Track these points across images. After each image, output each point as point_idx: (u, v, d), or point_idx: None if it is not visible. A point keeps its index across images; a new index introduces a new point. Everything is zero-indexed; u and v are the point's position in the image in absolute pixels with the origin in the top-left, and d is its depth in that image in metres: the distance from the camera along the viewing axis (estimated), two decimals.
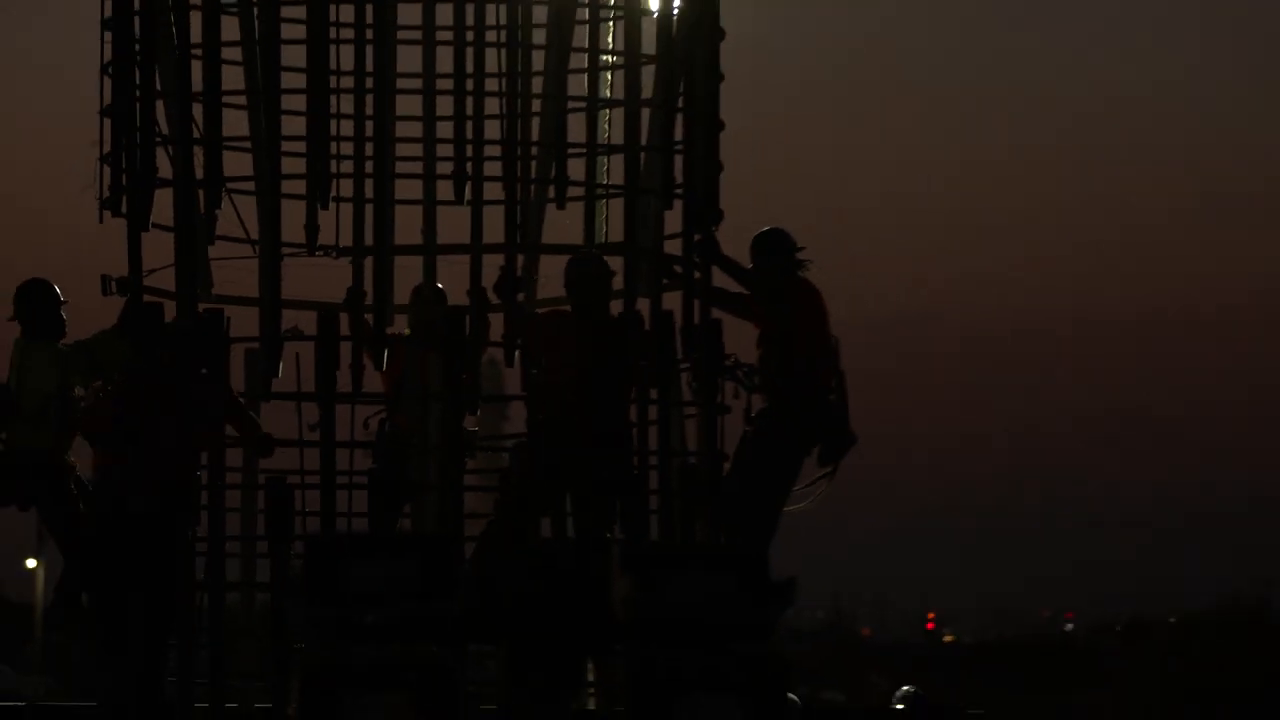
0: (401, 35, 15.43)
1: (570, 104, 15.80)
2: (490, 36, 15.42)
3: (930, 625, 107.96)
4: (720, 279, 15.64)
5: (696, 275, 15.60)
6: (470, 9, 15.24)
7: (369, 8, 15.17)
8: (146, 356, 14.96)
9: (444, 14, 15.27)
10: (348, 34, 15.29)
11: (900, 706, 18.33)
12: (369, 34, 15.19)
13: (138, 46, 15.22)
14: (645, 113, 15.59)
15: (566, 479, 14.98)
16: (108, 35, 15.25)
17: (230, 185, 15.33)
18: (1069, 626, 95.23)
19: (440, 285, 15.36)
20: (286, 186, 15.23)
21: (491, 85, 15.33)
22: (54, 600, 15.92)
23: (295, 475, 15.11)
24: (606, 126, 16.16)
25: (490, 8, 15.44)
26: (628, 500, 15.12)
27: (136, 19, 15.24)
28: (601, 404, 14.88)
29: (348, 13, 15.25)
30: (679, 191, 15.65)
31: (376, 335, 15.19)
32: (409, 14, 15.44)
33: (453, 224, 15.28)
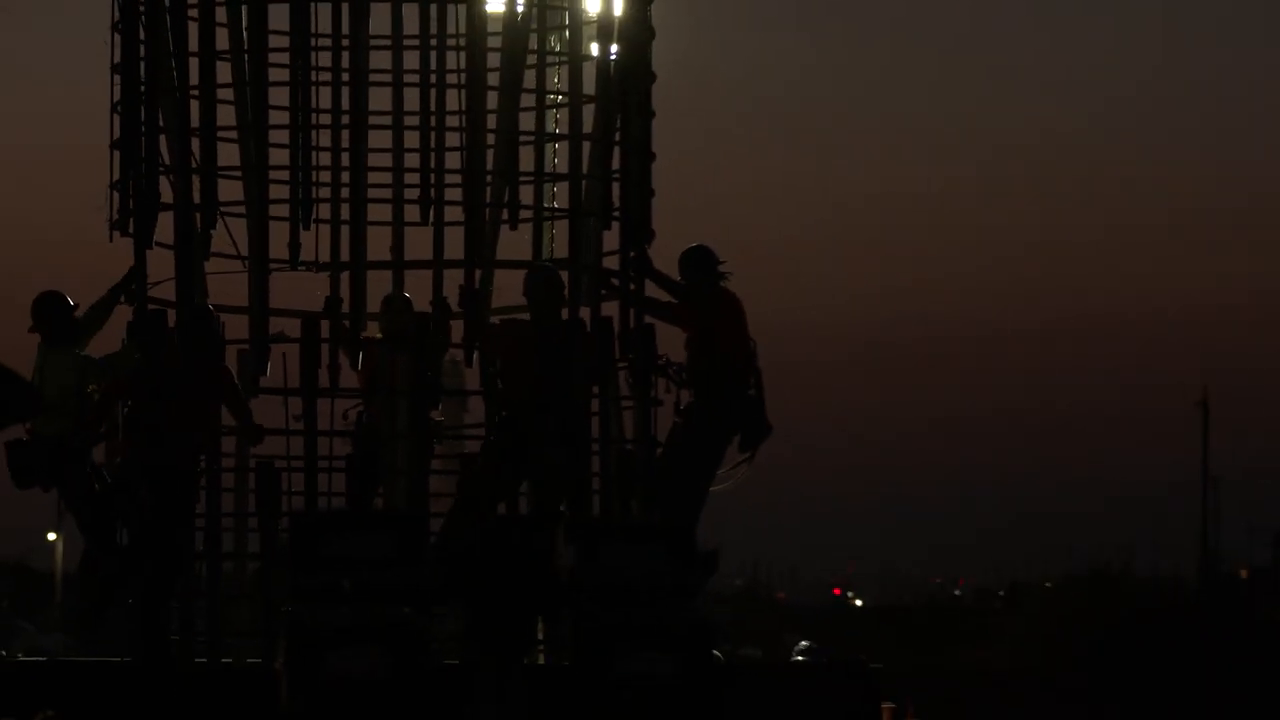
0: (374, 78, 15.31)
1: (521, 138, 15.70)
2: (451, 79, 15.44)
3: (836, 591, 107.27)
4: (652, 290, 15.57)
5: (631, 287, 15.57)
6: (434, 55, 15.28)
7: (345, 53, 15.19)
8: (152, 356, 14.94)
9: (411, 59, 15.24)
10: (326, 76, 15.31)
11: (800, 658, 18.48)
12: (345, 76, 15.21)
13: (143, 88, 15.23)
14: (586, 145, 15.63)
15: (526, 466, 14.88)
16: (117, 78, 15.32)
17: (223, 209, 15.31)
18: (958, 591, 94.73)
19: (407, 295, 15.31)
20: (273, 210, 15.27)
21: (452, 122, 15.38)
22: (77, 571, 15.85)
23: (282, 460, 15.13)
24: (553, 157, 16.03)
25: (451, 54, 15.43)
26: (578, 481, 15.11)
27: (142, 63, 15.23)
28: (558, 400, 14.77)
29: (327, 58, 15.29)
30: (616, 214, 15.68)
31: (352, 338, 15.20)
32: (380, 59, 15.31)
33: (418, 242, 15.29)
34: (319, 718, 12.55)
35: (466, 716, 12.99)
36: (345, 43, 15.24)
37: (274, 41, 15.27)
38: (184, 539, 14.87)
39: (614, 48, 15.76)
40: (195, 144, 15.23)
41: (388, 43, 15.31)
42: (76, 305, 15.27)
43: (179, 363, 14.82)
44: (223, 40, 15.35)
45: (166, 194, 15.28)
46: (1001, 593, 73.69)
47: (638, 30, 15.78)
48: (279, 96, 15.31)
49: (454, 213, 15.36)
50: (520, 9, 15.62)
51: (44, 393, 14.86)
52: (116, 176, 15.31)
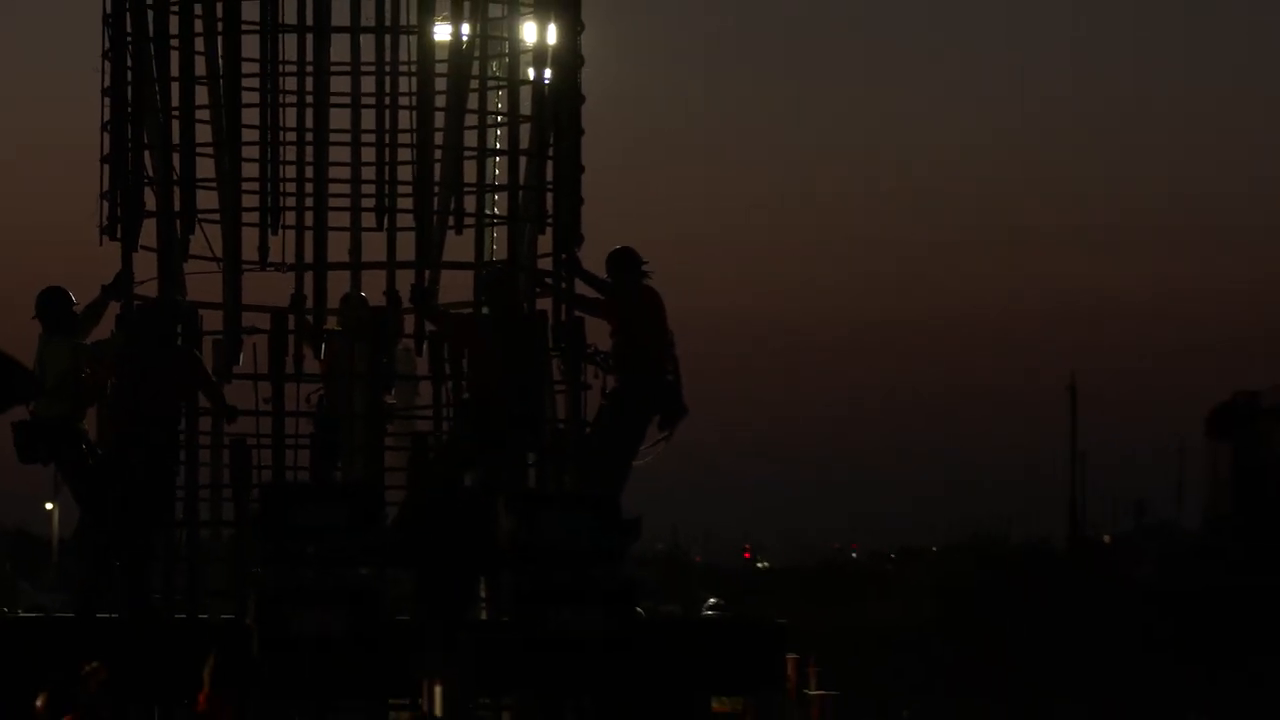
0: (334, 100, 15.28)
1: (465, 153, 15.72)
2: (403, 101, 15.42)
3: (747, 554, 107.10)
4: (581, 288, 15.58)
5: (563, 285, 15.60)
6: (388, 79, 15.32)
7: (309, 78, 15.19)
8: (138, 343, 14.95)
9: (368, 83, 15.30)
10: (292, 99, 15.33)
11: (709, 612, 18.61)
12: (309, 99, 15.20)
13: (130, 109, 15.20)
14: (523, 160, 15.62)
15: (486, 445, 14.80)
16: (107, 100, 15.29)
17: (201, 216, 15.28)
18: (854, 554, 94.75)
19: (363, 293, 15.34)
20: (244, 217, 15.27)
21: (404, 139, 15.36)
22: (71, 536, 15.97)
23: (253, 438, 15.12)
24: (493, 170, 16.05)
25: (403, 79, 15.43)
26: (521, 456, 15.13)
27: (129, 87, 15.20)
28: (518, 385, 14.72)
29: (292, 82, 15.32)
30: (549, 221, 15.67)
31: (315, 331, 15.17)
32: (340, 83, 15.32)
33: (373, 246, 15.31)
34: (286, 669, 12.52)
35: (417, 667, 12.94)
36: (309, 69, 15.24)
37: (246, 68, 15.29)
38: (163, 505, 14.82)
39: (548, 73, 15.75)
40: (175, 159, 15.22)
41: (347, 69, 15.32)
42: (75, 301, 15.20)
43: (157, 350, 14.79)
44: (200, 66, 15.34)
45: (150, 203, 15.29)
46: (892, 555, 73.66)
47: (569, 58, 15.79)
48: (250, 116, 15.38)
49: (405, 220, 15.32)
50: (465, 38, 15.58)
51: (44, 378, 14.85)
52: (106, 188, 15.31)
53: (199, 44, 15.33)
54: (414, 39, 15.46)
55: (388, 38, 15.36)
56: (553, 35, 15.79)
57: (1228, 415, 41.33)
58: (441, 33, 15.59)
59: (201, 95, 15.31)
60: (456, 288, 15.51)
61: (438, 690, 12.89)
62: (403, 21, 15.43)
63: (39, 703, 12.01)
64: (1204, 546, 41.99)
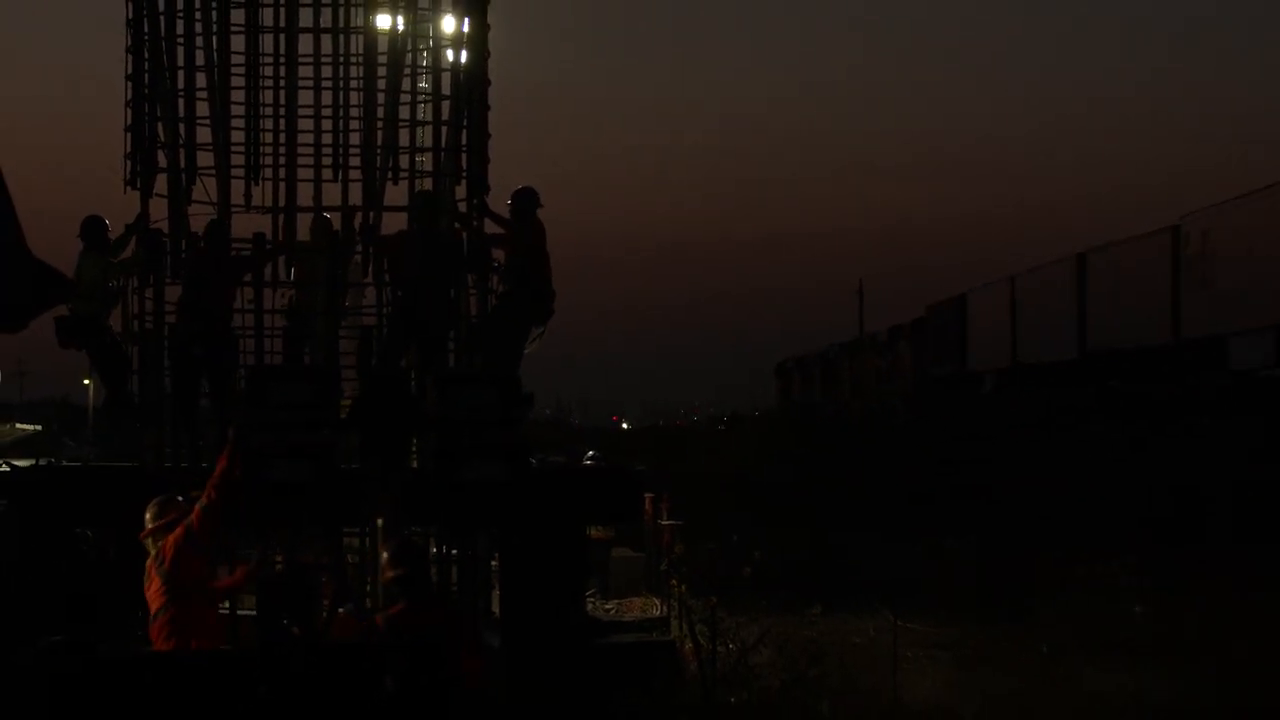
0: (301, 83, 15.31)
1: (400, 123, 15.73)
2: (353, 83, 15.56)
3: (615, 419, 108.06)
4: (489, 226, 15.59)
5: (474, 223, 15.68)
6: (341, 67, 15.41)
7: (283, 67, 15.26)
8: (154, 265, 14.99)
9: (326, 70, 15.38)
10: (269, 83, 15.35)
11: (589, 462, 18.86)
12: (282, 82, 15.30)
13: (147, 90, 15.29)
14: (444, 129, 15.60)
15: (415, 335, 14.71)
16: (129, 83, 15.36)
17: (200, 171, 15.29)
18: (695, 418, 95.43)
19: (326, 215, 15.38)
20: (233, 172, 15.33)
21: (354, 113, 15.43)
22: (102, 405, 16.04)
23: (240, 329, 15.02)
24: (421, 136, 16.01)
25: (353, 67, 15.57)
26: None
27: (146, 74, 15.29)
28: (436, 289, 14.67)
29: (269, 70, 15.35)
30: (464, 175, 15.68)
31: (287, 249, 15.26)
32: (304, 70, 15.33)
33: (331, 191, 15.46)
34: (264, 508, 12.30)
35: (363, 506, 12.76)
36: (282, 60, 15.32)
37: (234, 59, 15.33)
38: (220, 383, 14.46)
39: (464, 56, 15.75)
40: (181, 128, 15.22)
41: (310, 60, 15.38)
42: (110, 227, 15.30)
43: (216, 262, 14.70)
44: (199, 58, 15.44)
45: (162, 162, 15.34)
46: (725, 418, 73.73)
47: (479, 48, 15.82)
48: (238, 96, 15.33)
49: (355, 174, 15.37)
50: (401, 29, 15.61)
51: (80, 283, 14.90)
52: (128, 149, 15.31)
53: (199, 41, 15.41)
54: (361, 37, 15.58)
55: (341, 36, 15.44)
56: (467, 28, 15.76)
57: None
58: (382, 23, 15.54)
59: (200, 80, 15.37)
60: (394, 223, 15.58)
61: (379, 522, 12.70)
62: (353, 23, 15.48)
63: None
64: None
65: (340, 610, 11.36)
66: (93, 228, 15.28)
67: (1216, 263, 29.47)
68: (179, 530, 10.57)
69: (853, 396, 55.60)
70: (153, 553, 10.65)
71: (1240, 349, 28.17)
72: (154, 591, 10.54)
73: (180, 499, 10.99)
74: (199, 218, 15.30)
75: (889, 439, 37.58)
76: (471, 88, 15.71)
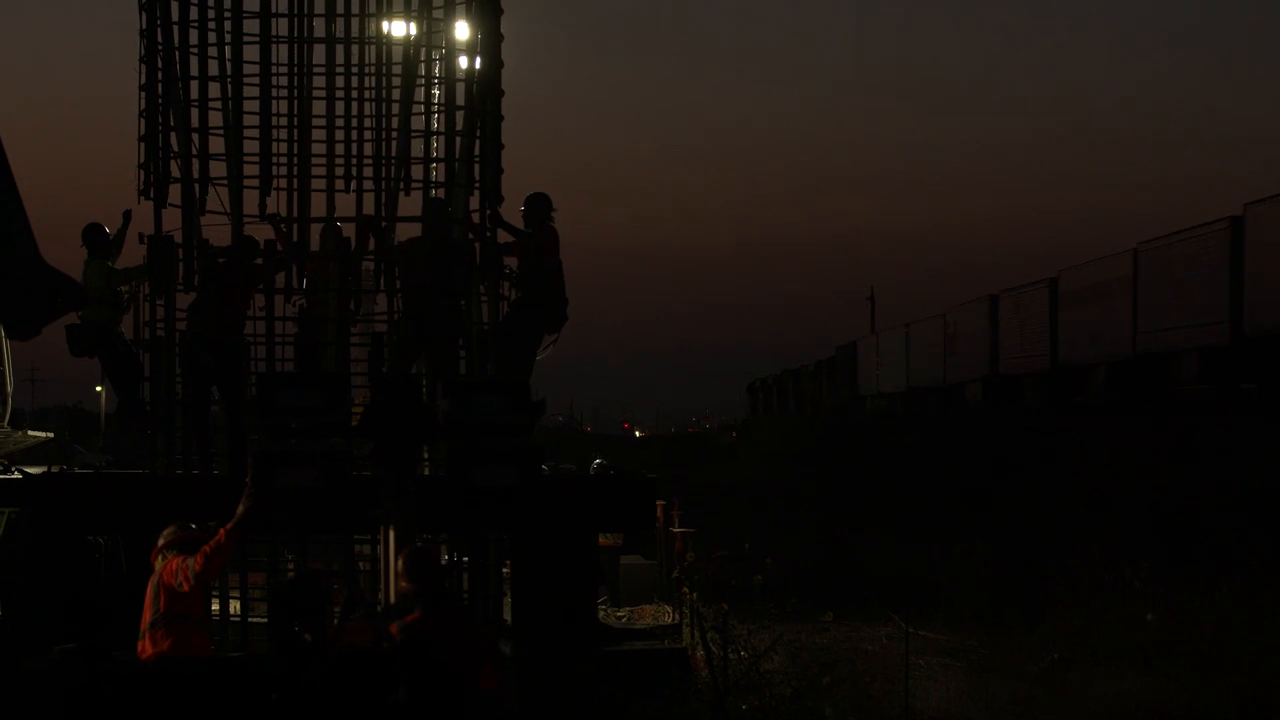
0: (315, 94, 15.33)
1: (413, 134, 15.73)
2: (368, 94, 15.56)
3: (626, 425, 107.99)
4: (502, 234, 15.56)
5: (487, 233, 15.64)
6: (355, 78, 15.34)
7: (296, 78, 15.28)
8: (165, 274, 14.90)
9: (339, 81, 15.31)
10: (283, 93, 15.35)
11: (594, 470, 18.76)
12: (295, 93, 15.31)
13: (160, 101, 15.22)
14: (458, 139, 15.57)
15: (426, 342, 14.71)
16: (142, 94, 15.31)
17: (214, 181, 15.24)
18: (707, 426, 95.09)
19: (338, 223, 15.30)
20: (246, 182, 15.28)
21: (367, 123, 15.42)
22: (115, 411, 16.19)
23: (251, 337, 15.02)
24: (435, 146, 15.96)
25: (369, 79, 15.56)
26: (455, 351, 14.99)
27: (159, 84, 15.23)
28: (445, 296, 14.68)
29: (283, 80, 15.36)
30: (477, 185, 15.66)
31: (300, 256, 15.17)
32: (319, 81, 15.38)
33: (344, 201, 15.43)
34: (275, 513, 12.21)
35: (374, 512, 12.66)
36: (296, 71, 15.33)
37: (246, 70, 15.26)
38: (234, 392, 14.39)
39: (478, 62, 15.68)
40: (195, 138, 15.18)
41: (323, 70, 15.38)
42: (111, 235, 15.27)
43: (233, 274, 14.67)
44: (213, 69, 15.41)
45: (175, 172, 15.29)
46: (734, 428, 73.78)
47: (492, 58, 15.77)
48: (251, 106, 15.26)
49: (368, 184, 15.37)
50: (413, 37, 15.57)
51: (88, 292, 14.97)
52: (142, 160, 15.28)
53: (212, 51, 15.37)
54: (373, 48, 15.54)
55: (354, 47, 15.37)
56: (480, 37, 15.70)
57: None
58: (396, 30, 15.49)
59: (214, 90, 15.34)
60: (407, 233, 15.54)
61: (390, 529, 12.46)
62: (366, 34, 15.44)
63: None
64: None
65: (351, 618, 11.27)
66: (93, 234, 15.32)
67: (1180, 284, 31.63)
68: (185, 565, 10.57)
69: (795, 412, 67.06)
70: (157, 569, 10.71)
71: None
72: (148, 605, 10.62)
73: (194, 528, 10.98)
74: (211, 228, 15.38)
75: (889, 444, 37.59)
76: (484, 97, 15.67)
